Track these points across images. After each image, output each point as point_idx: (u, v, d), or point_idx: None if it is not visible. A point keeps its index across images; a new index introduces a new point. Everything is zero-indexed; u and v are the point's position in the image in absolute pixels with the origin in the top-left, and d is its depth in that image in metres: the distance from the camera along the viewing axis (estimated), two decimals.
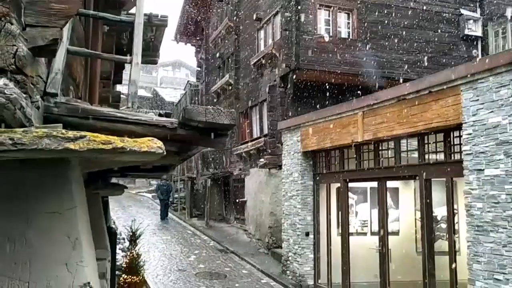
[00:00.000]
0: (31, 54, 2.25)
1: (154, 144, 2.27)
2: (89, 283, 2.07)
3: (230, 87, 20.62)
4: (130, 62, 2.88)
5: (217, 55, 22.87)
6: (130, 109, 2.73)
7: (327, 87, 14.59)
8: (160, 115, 2.69)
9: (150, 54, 9.63)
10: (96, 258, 4.64)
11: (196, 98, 26.43)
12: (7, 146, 1.70)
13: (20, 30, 2.14)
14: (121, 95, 9.83)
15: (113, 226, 8.23)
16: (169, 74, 60.71)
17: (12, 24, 2.10)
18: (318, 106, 14.06)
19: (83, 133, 1.93)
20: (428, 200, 8.61)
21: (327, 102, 14.03)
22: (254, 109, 18.12)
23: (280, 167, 13.93)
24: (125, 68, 8.47)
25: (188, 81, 32.23)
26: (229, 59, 21.31)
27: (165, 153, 2.34)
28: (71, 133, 1.86)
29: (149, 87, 52.60)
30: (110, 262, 5.20)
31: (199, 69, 27.78)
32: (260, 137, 16.82)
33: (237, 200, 18.98)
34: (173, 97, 43.81)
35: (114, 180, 6.55)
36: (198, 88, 25.99)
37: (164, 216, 22.22)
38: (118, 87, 9.87)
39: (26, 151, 1.76)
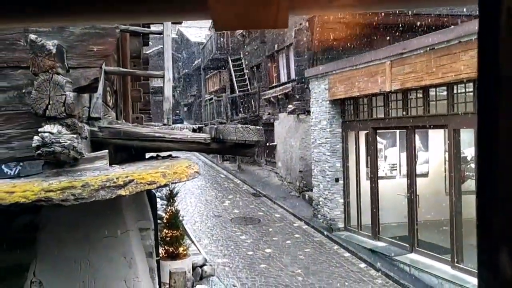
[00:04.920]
0: (77, 95, 2.48)
1: (191, 171, 2.53)
2: None
3: (256, 30, 20.33)
4: (163, 77, 3.07)
5: None
6: (166, 126, 2.96)
7: (356, 28, 14.22)
8: (194, 130, 2.92)
9: None
10: (141, 228, 5.11)
11: (222, 40, 26.22)
12: (70, 201, 2.00)
13: (65, 77, 2.36)
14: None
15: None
16: None
17: (59, 74, 2.32)
18: (347, 49, 13.79)
19: (131, 176, 2.20)
20: (456, 149, 8.71)
21: (357, 46, 13.75)
22: (281, 53, 17.97)
23: (308, 112, 14.07)
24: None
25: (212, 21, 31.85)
26: None
27: (200, 173, 2.60)
28: (121, 180, 2.14)
29: (173, 26, 51.94)
30: (154, 229, 5.66)
31: None
32: (287, 82, 16.83)
33: (267, 144, 19.38)
34: (198, 37, 43.24)
35: None
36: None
37: None
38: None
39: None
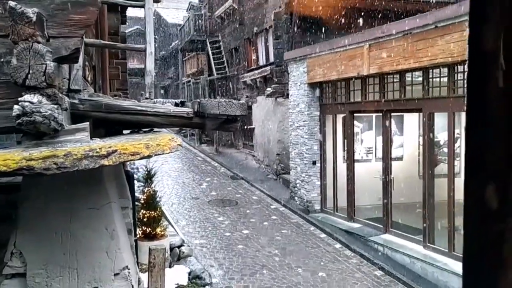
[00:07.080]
0: (57, 65, 2.44)
1: (174, 143, 2.53)
2: (127, 266, 2.44)
3: (234, 12, 20.15)
4: (144, 51, 3.04)
5: None
6: (148, 100, 2.94)
7: (336, 12, 14.22)
8: (176, 104, 2.92)
9: None
10: (121, 207, 5.10)
11: (200, 22, 25.89)
12: (52, 170, 1.98)
13: (45, 46, 2.31)
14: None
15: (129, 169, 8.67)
16: None
17: (39, 42, 2.27)
18: (327, 33, 13.79)
19: (114, 146, 2.19)
20: (430, 132, 8.91)
21: (336, 30, 13.78)
22: (260, 36, 17.89)
23: (287, 95, 14.10)
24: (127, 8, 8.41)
25: (190, 2, 31.37)
26: None
27: (183, 145, 2.60)
28: (104, 150, 2.13)
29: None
30: (132, 209, 5.65)
31: None
32: (266, 65, 16.80)
33: (245, 127, 19.38)
34: (176, 18, 42.61)
35: None
36: (201, 12, 25.36)
37: None
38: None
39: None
